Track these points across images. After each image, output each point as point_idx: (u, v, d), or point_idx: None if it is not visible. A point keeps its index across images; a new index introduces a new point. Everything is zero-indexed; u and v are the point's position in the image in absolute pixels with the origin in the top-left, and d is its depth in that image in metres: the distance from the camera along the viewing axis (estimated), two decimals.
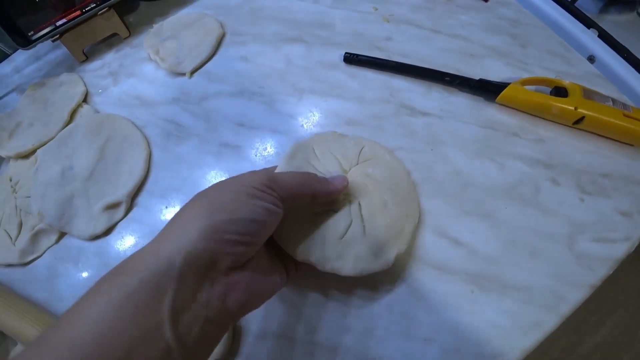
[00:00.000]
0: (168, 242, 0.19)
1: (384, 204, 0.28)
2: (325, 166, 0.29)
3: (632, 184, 0.32)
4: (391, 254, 0.27)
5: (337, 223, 0.27)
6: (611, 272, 0.30)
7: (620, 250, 0.30)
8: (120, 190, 0.35)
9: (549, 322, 0.28)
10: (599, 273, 0.30)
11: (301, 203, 0.25)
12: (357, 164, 0.30)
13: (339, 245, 0.26)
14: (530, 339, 0.28)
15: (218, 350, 0.28)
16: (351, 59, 0.37)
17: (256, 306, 0.22)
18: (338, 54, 0.38)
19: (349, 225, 0.27)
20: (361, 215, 0.27)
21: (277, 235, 0.26)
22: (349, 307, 0.29)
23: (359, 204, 0.28)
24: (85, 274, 0.33)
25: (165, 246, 0.19)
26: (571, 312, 0.29)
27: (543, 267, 0.29)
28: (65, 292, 0.33)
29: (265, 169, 0.27)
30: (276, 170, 0.28)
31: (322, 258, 0.26)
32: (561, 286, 0.29)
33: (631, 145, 0.34)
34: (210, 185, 0.22)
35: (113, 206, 0.35)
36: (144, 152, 0.37)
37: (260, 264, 0.23)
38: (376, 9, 0.41)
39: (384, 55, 0.37)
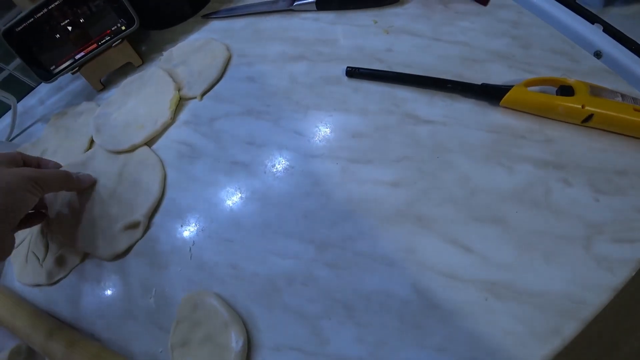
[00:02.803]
0: None
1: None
2: None
3: None
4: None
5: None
6: (634, 273, 0.29)
7: None
8: (139, 210, 0.37)
9: (569, 328, 0.27)
10: (620, 275, 0.29)
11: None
12: None
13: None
14: (549, 346, 0.27)
15: None
16: (353, 72, 0.38)
17: None
18: (340, 69, 0.39)
19: None
20: None
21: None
22: (360, 318, 0.29)
23: None
24: (108, 292, 0.35)
25: None
26: (593, 316, 0.28)
27: (559, 272, 0.29)
28: (89, 310, 0.35)
29: (28, 168, 0.35)
30: None
31: None
32: (580, 290, 0.28)
33: None
34: None
35: (132, 226, 0.37)
36: (159, 174, 0.38)
37: None
38: (376, 22, 0.42)
39: (385, 66, 0.38)
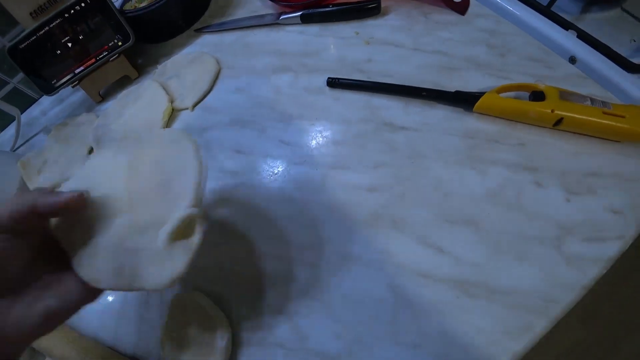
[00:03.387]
0: None
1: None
2: None
3: (622, 181, 0.32)
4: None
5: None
6: (604, 271, 0.30)
7: (613, 249, 0.30)
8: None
9: (539, 325, 0.28)
10: (590, 274, 0.30)
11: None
12: None
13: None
14: (520, 343, 0.28)
15: None
16: (334, 83, 0.39)
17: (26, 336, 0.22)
18: (323, 80, 0.41)
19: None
20: None
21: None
22: (338, 316, 0.30)
23: None
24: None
25: None
26: (562, 314, 0.29)
27: (531, 271, 0.30)
28: (88, 310, 0.37)
29: None
30: None
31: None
32: (550, 289, 0.29)
33: (618, 141, 0.34)
34: None
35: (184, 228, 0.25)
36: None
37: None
38: (358, 34, 0.43)
39: (366, 76, 0.40)
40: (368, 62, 0.41)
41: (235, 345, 0.31)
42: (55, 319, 0.22)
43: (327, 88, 0.40)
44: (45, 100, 0.56)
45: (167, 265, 0.23)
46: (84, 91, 0.50)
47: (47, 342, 0.34)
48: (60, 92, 0.51)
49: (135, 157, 0.27)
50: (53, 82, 0.47)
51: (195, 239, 0.24)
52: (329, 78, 0.40)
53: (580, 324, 0.87)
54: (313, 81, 0.41)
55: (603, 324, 0.87)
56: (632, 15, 0.42)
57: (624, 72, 0.38)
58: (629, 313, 0.88)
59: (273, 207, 0.36)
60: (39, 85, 0.47)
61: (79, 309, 0.24)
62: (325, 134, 0.38)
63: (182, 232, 0.24)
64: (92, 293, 0.24)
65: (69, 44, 0.46)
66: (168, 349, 0.32)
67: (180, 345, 0.32)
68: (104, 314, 0.36)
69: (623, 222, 0.31)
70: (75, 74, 0.47)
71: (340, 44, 0.43)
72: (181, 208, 0.24)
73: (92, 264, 0.24)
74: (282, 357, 0.30)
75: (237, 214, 0.37)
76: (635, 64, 0.37)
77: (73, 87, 0.48)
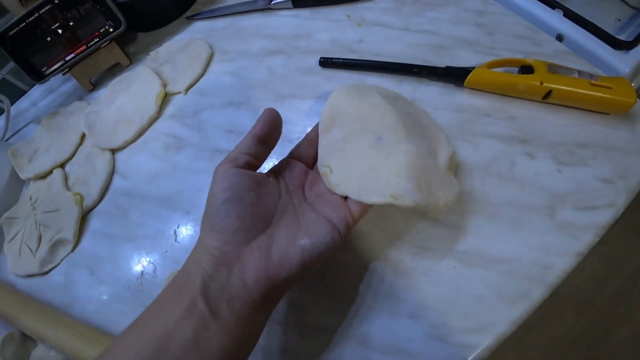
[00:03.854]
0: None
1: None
2: None
3: (611, 151, 0.33)
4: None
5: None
6: (597, 239, 0.30)
7: (605, 217, 0.31)
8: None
9: (537, 292, 0.28)
10: (583, 240, 0.30)
11: None
12: None
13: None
14: (517, 310, 0.28)
15: None
16: (326, 62, 0.40)
17: (293, 272, 0.23)
18: (315, 61, 0.41)
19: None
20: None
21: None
22: (335, 289, 0.30)
23: None
24: (97, 278, 0.36)
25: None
26: (558, 281, 0.29)
27: (525, 239, 0.30)
28: (81, 296, 0.36)
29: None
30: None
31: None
32: (545, 256, 0.29)
33: (605, 113, 0.34)
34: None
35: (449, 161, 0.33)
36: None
37: (281, 230, 0.24)
38: (349, 16, 0.44)
39: (357, 56, 0.40)
40: (359, 43, 0.41)
41: None
42: (310, 260, 0.23)
43: (320, 68, 0.41)
44: (35, 91, 0.55)
45: (452, 185, 0.28)
46: (75, 80, 0.49)
47: (34, 325, 0.34)
48: (51, 82, 0.51)
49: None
50: (43, 70, 0.47)
51: (455, 168, 0.32)
52: (321, 58, 0.40)
53: (575, 312, 0.88)
54: (305, 62, 0.41)
55: (596, 313, 0.88)
56: None
57: (610, 49, 0.39)
58: (620, 302, 0.89)
59: None
60: (28, 73, 0.46)
61: (328, 251, 0.24)
62: (318, 112, 0.38)
63: (449, 164, 0.30)
64: (338, 234, 0.24)
65: (59, 31, 0.45)
66: None
67: None
68: (97, 297, 0.35)
69: (613, 190, 0.31)
70: (66, 62, 0.47)
71: (332, 27, 0.44)
72: (446, 146, 0.31)
73: (392, 182, 0.26)
74: (281, 333, 0.30)
75: None
76: (621, 40, 0.38)
77: (64, 74, 0.48)
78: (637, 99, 0.32)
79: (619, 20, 0.42)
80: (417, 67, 0.37)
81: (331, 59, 0.39)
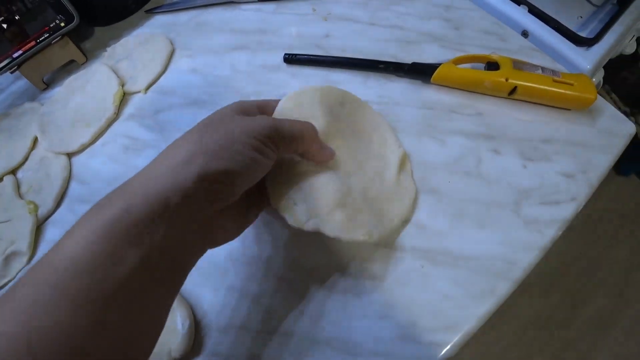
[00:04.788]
0: (161, 180, 0.19)
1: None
2: None
3: (572, 146, 0.34)
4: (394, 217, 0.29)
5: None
6: (560, 232, 0.31)
7: (568, 211, 0.31)
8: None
9: (502, 288, 0.29)
10: (547, 235, 0.30)
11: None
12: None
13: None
14: (484, 307, 0.28)
15: (181, 346, 0.28)
16: (291, 59, 0.38)
17: (225, 241, 0.24)
18: (280, 57, 0.40)
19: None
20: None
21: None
22: (302, 293, 0.29)
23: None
24: None
25: (156, 185, 0.19)
26: (524, 276, 0.30)
27: (492, 236, 0.30)
28: None
29: (263, 117, 0.24)
30: (275, 115, 0.28)
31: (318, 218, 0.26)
32: (511, 252, 0.30)
33: (567, 109, 0.35)
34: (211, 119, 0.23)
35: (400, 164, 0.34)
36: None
37: (236, 206, 0.24)
38: (315, 10, 0.43)
39: (324, 52, 0.39)
40: (326, 38, 0.40)
41: (198, 331, 0.30)
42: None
43: (285, 65, 0.39)
44: None
45: (405, 194, 0.31)
46: (25, 79, 0.46)
47: None
48: (0, 81, 0.47)
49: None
50: None
51: (409, 167, 0.32)
52: (285, 54, 0.39)
53: (542, 295, 0.92)
54: (270, 58, 0.40)
55: (562, 295, 0.92)
56: None
57: (572, 45, 0.39)
58: (584, 284, 0.94)
59: None
60: None
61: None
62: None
63: (399, 167, 0.31)
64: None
65: (4, 25, 0.42)
66: None
67: None
68: None
69: (575, 185, 0.32)
70: (14, 59, 0.43)
71: (298, 21, 0.42)
72: (396, 149, 0.32)
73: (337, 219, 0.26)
74: (250, 340, 0.29)
75: None
76: (582, 37, 0.39)
77: (12, 72, 0.44)
78: (597, 95, 0.33)
79: (581, 17, 0.42)
80: (384, 63, 0.36)
81: (296, 55, 0.38)
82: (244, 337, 0.29)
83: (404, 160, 0.32)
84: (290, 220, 0.26)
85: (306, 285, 0.30)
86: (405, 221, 0.31)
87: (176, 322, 0.29)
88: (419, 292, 0.29)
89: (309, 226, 0.26)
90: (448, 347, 0.27)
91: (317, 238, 0.31)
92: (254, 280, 0.31)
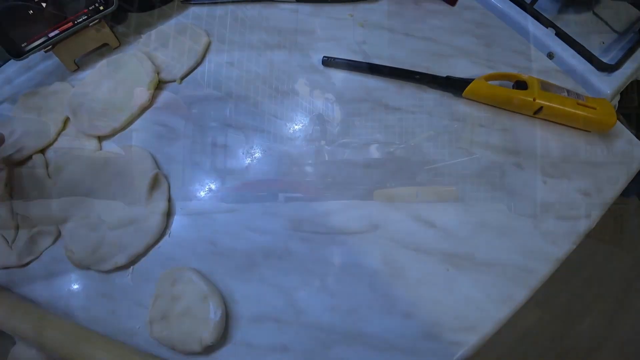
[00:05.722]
0: None
1: None
2: None
3: (590, 166, 0.36)
4: None
5: None
6: (574, 246, 0.33)
7: (582, 226, 0.33)
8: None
9: (520, 294, 0.31)
10: (563, 247, 0.32)
11: None
12: None
13: None
14: (504, 311, 0.30)
15: (213, 334, 0.29)
16: (329, 62, 0.40)
17: None
18: (317, 58, 0.41)
19: None
20: None
21: None
22: (333, 289, 0.31)
23: None
24: (82, 272, 0.35)
25: None
26: (539, 284, 0.32)
27: (512, 245, 0.32)
28: (63, 290, 0.35)
29: None
30: None
31: None
32: (529, 261, 0.32)
33: (587, 131, 0.37)
34: None
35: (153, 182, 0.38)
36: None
37: None
38: (351, 16, 0.44)
39: (359, 57, 0.40)
40: (362, 44, 0.42)
41: (229, 320, 0.31)
42: None
43: (322, 67, 0.41)
44: (10, 68, 0.51)
45: (154, 209, 0.35)
46: (55, 59, 0.46)
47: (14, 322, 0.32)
48: (29, 58, 0.47)
49: None
50: (23, 46, 0.43)
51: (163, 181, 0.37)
52: (324, 57, 0.40)
53: (538, 308, 0.95)
54: (307, 59, 0.41)
55: (558, 309, 0.95)
56: (602, 19, 0.46)
57: (595, 70, 0.41)
58: (580, 300, 0.97)
59: (266, 182, 0.36)
60: (6, 48, 0.43)
61: None
62: (319, 110, 0.38)
63: (152, 184, 0.36)
64: None
65: (43, 4, 0.42)
66: (157, 326, 0.31)
67: (170, 322, 0.31)
68: (82, 292, 0.34)
69: (590, 203, 0.34)
70: (49, 38, 0.43)
71: (334, 25, 0.44)
72: (147, 175, 0.36)
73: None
74: (277, 330, 0.30)
75: (229, 187, 0.36)
76: (605, 63, 0.41)
77: (46, 52, 0.44)
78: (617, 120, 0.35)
79: (603, 43, 0.44)
80: (419, 74, 0.38)
81: (335, 58, 0.40)
82: (273, 328, 0.30)
83: (157, 181, 0.37)
84: None
85: (337, 281, 0.31)
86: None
87: (209, 311, 0.30)
88: (442, 293, 0.31)
89: None
90: (466, 347, 0.29)
91: (349, 239, 0.33)
92: (286, 274, 0.32)
